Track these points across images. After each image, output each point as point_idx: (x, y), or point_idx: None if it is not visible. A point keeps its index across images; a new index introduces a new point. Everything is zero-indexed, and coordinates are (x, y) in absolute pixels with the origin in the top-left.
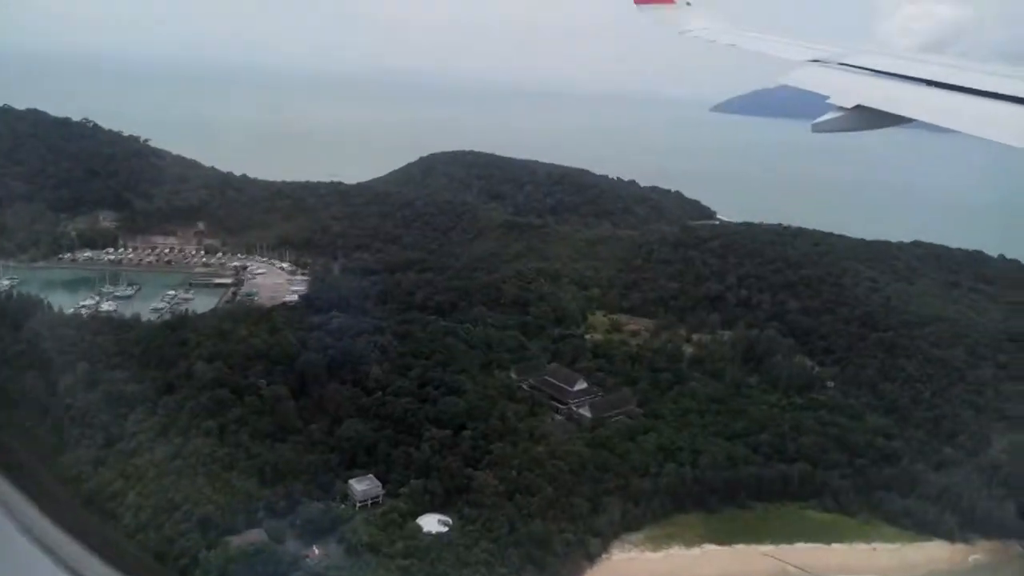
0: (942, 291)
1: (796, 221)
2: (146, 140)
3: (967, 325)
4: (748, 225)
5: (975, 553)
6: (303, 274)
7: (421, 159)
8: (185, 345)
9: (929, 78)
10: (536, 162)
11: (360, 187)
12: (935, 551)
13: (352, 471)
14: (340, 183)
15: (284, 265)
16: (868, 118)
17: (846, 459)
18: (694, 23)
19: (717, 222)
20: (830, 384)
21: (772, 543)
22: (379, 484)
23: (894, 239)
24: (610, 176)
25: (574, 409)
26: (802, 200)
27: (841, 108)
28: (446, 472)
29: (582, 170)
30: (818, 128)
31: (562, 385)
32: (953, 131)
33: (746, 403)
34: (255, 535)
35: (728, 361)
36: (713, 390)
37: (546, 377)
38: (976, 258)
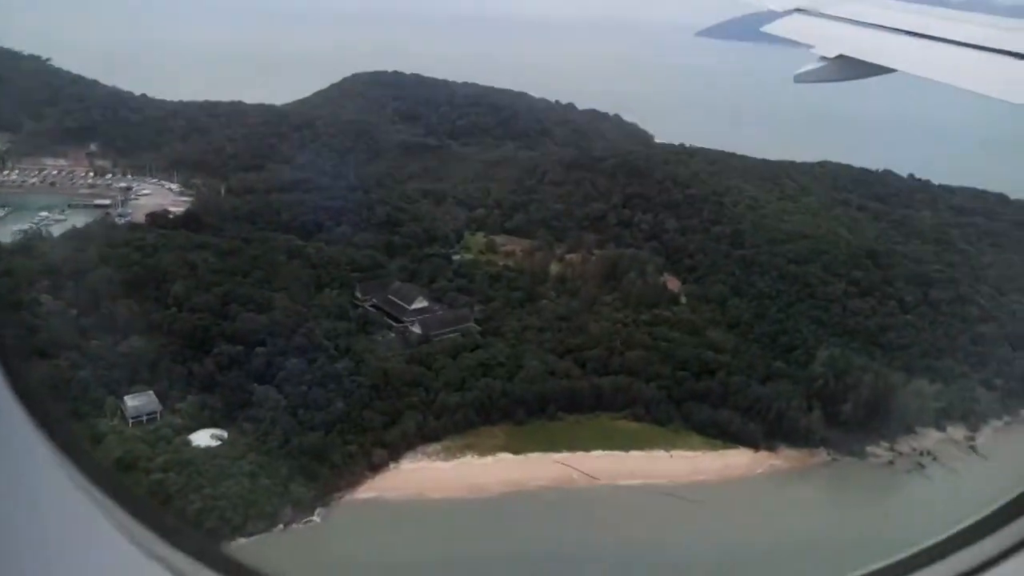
0: (824, 209)
1: (733, 145)
2: (47, 59)
3: (831, 243)
4: (645, 145)
5: (776, 460)
6: (190, 195)
7: (344, 80)
8: None
9: (909, 28)
10: (456, 83)
11: (260, 108)
12: (734, 458)
13: (132, 388)
14: (240, 103)
15: (173, 186)
16: (850, 68)
17: (668, 372)
18: None
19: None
20: (683, 300)
21: (571, 452)
22: (156, 400)
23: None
24: (549, 100)
25: (409, 327)
26: (751, 124)
27: (824, 58)
28: (228, 388)
29: (519, 92)
30: (800, 79)
31: (402, 303)
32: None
33: (592, 320)
34: None
35: (589, 279)
36: (565, 308)
37: (389, 296)
38: (878, 177)
